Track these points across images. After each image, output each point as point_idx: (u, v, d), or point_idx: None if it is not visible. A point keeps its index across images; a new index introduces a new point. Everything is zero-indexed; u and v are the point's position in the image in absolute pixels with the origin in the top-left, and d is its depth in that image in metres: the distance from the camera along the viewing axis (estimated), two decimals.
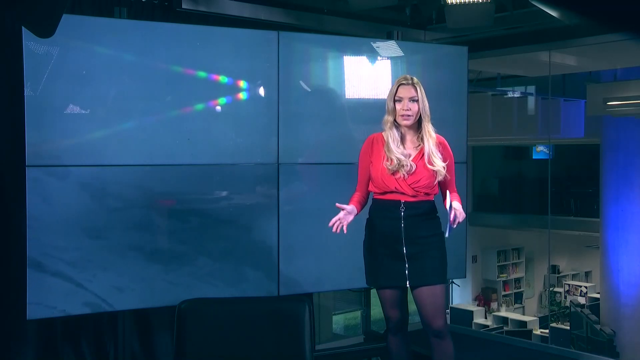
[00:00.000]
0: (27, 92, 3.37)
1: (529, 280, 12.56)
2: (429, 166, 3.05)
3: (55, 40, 3.14)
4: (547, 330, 10.47)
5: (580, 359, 5.18)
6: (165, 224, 3.75)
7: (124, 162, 3.61)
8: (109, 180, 3.58)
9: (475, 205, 11.68)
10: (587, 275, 12.03)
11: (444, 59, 4.45)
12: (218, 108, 3.81)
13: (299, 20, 4.56)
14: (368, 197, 3.20)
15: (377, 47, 4.20)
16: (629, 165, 8.77)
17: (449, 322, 3.77)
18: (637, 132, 8.71)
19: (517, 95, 9.88)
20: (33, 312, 3.44)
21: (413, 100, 3.05)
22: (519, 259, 12.50)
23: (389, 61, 4.24)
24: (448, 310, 10.49)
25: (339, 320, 7.01)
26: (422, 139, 3.09)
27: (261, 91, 3.91)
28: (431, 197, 3.11)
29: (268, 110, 3.91)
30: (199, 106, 3.76)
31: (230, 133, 3.84)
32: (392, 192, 3.07)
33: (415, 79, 3.09)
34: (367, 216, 3.18)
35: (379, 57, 4.20)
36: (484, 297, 12.17)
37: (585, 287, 11.36)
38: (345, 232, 3.01)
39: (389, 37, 4.43)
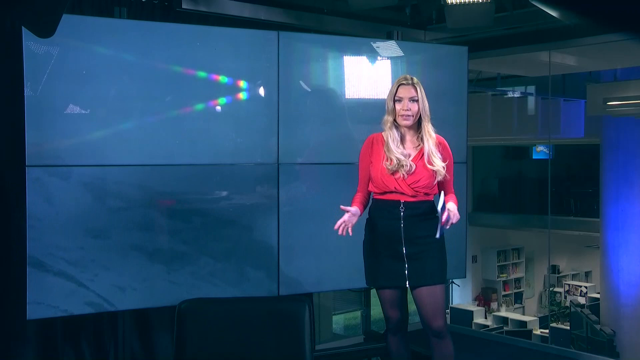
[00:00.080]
0: (27, 92, 3.37)
1: (529, 280, 12.56)
2: (429, 166, 3.05)
3: (55, 40, 3.14)
4: (547, 330, 10.47)
5: (580, 359, 5.18)
6: (166, 224, 3.75)
7: (124, 162, 3.61)
8: (109, 180, 3.58)
9: (475, 205, 11.68)
10: (587, 275, 12.04)
11: (444, 59, 4.45)
12: (218, 108, 3.81)
13: (299, 20, 4.56)
14: (369, 197, 3.20)
15: (377, 47, 4.20)
16: (628, 165, 8.77)
17: (449, 322, 3.79)
18: (637, 132, 8.71)
19: (517, 95, 9.88)
20: (33, 312, 3.44)
21: (413, 100, 3.05)
22: (519, 259, 12.51)
23: (388, 61, 4.24)
24: (448, 310, 10.51)
25: (339, 320, 7.01)
26: (421, 139, 3.09)
27: (261, 91, 3.91)
28: (431, 197, 3.11)
29: (268, 110, 3.91)
30: (199, 106, 3.76)
31: (230, 133, 3.83)
32: (391, 192, 3.07)
33: (415, 79, 3.09)
34: (367, 216, 3.18)
35: (378, 57, 4.20)
36: (484, 297, 12.17)
37: (585, 287, 11.36)
38: (350, 234, 3.01)
39: (389, 37, 4.43)
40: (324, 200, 4.02)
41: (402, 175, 3.04)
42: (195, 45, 3.74)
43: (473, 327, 10.60)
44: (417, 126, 3.10)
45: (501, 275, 12.21)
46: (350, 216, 3.01)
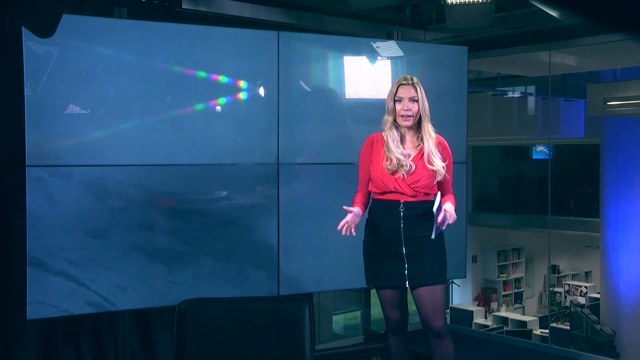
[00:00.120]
0: (27, 92, 3.37)
1: (529, 280, 12.57)
2: (429, 166, 3.05)
3: (55, 40, 3.14)
4: (547, 330, 10.47)
5: (580, 359, 5.18)
6: (167, 224, 3.75)
7: (124, 162, 3.61)
8: (109, 180, 3.58)
9: (475, 205, 11.68)
10: (587, 275, 12.04)
11: (444, 59, 4.45)
12: (218, 108, 3.81)
13: (299, 20, 4.56)
14: (370, 197, 3.19)
15: (377, 47, 4.20)
16: (628, 165, 8.78)
17: (449, 322, 3.79)
18: (637, 132, 8.71)
19: (517, 95, 9.89)
20: (34, 312, 3.45)
21: (413, 100, 3.05)
22: (519, 259, 12.51)
23: (388, 61, 4.24)
24: (448, 310, 10.51)
25: (339, 320, 7.01)
26: (421, 139, 3.09)
27: (261, 91, 3.91)
28: (431, 197, 3.10)
29: (268, 110, 3.91)
30: (199, 106, 3.76)
31: (230, 133, 3.84)
32: (391, 192, 3.07)
33: (415, 79, 3.09)
34: (367, 216, 3.18)
35: (378, 57, 4.20)
36: (484, 297, 12.17)
37: (585, 287, 11.37)
38: (354, 234, 3.00)
39: (389, 37, 4.43)
40: (324, 200, 4.02)
41: (402, 175, 3.04)
42: (195, 45, 3.74)
43: (473, 327, 10.60)
44: (417, 126, 3.10)
45: (501, 275, 12.21)
46: (353, 217, 3.00)
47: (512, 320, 11.39)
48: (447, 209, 2.96)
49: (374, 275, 3.16)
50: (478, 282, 12.25)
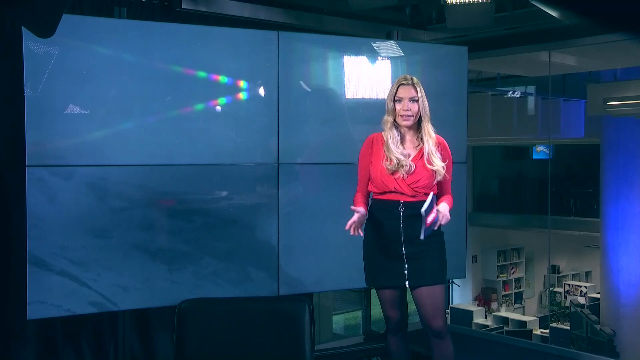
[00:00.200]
0: (27, 92, 3.37)
1: (529, 280, 12.57)
2: (429, 166, 3.05)
3: (55, 40, 3.14)
4: (547, 330, 10.47)
5: (580, 359, 5.18)
6: (168, 224, 3.75)
7: (124, 162, 3.61)
8: (110, 180, 3.58)
9: (475, 205, 11.69)
10: (587, 275, 12.04)
11: (444, 59, 4.45)
12: (218, 108, 3.81)
13: (299, 20, 4.56)
14: (369, 197, 3.19)
15: (377, 47, 4.20)
16: (628, 165, 8.78)
17: (449, 322, 3.79)
18: (637, 132, 8.72)
19: (517, 95, 9.89)
20: (36, 311, 3.45)
21: (413, 100, 3.05)
22: (519, 259, 12.51)
23: (388, 61, 4.24)
24: (448, 310, 10.51)
25: (339, 320, 7.01)
26: (421, 139, 3.09)
27: (261, 91, 3.91)
28: None
29: (268, 110, 3.91)
30: (199, 106, 3.76)
31: (230, 133, 3.84)
32: (391, 192, 3.07)
33: (415, 79, 3.09)
34: (367, 216, 3.18)
35: (378, 57, 4.20)
36: (484, 297, 12.18)
37: (585, 287, 11.37)
38: (361, 234, 3.01)
39: (389, 37, 4.43)
40: (324, 200, 4.02)
41: (401, 175, 3.04)
42: (195, 45, 3.74)
43: (473, 327, 10.60)
44: (417, 126, 3.10)
45: (501, 275, 12.21)
46: (360, 217, 3.00)
47: (512, 320, 11.39)
48: (441, 210, 2.96)
49: (374, 275, 3.16)
50: (478, 282, 12.25)
